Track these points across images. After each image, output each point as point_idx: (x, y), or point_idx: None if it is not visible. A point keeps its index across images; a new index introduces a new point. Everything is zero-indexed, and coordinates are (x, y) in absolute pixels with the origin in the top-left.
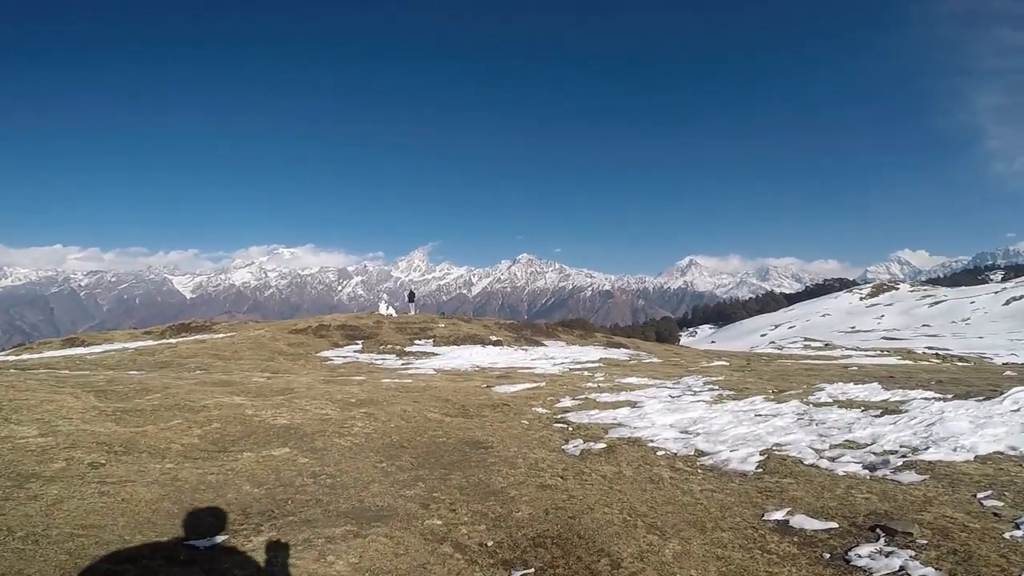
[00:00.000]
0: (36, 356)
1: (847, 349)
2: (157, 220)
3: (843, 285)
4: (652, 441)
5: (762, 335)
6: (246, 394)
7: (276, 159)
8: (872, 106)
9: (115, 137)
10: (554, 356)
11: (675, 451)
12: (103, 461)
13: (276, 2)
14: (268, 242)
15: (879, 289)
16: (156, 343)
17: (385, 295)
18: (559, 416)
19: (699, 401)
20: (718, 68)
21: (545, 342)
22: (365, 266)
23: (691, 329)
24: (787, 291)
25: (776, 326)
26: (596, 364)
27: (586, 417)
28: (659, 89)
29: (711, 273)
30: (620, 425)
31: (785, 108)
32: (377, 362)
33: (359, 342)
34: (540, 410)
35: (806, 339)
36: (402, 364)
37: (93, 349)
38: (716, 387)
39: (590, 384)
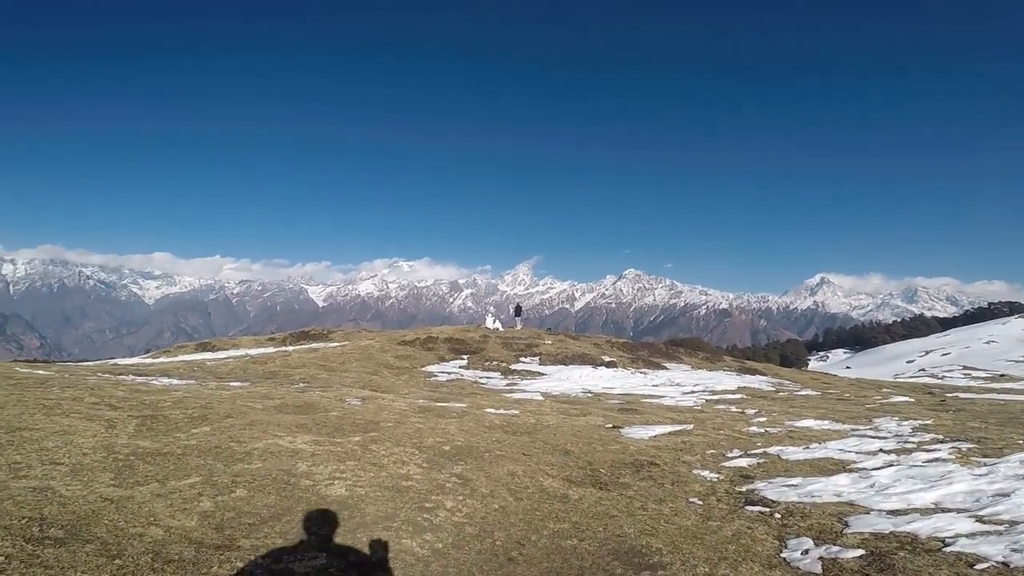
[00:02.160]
0: (167, 360)
1: None
2: (297, 233)
3: (1013, 309)
4: (944, 542)
5: (909, 362)
6: (319, 430)
7: (401, 177)
8: None
9: (275, 156)
10: (680, 383)
11: (1003, 560)
12: None
13: (411, 17)
14: (390, 255)
15: None
16: (274, 350)
17: (492, 308)
18: (743, 487)
19: (939, 460)
20: (860, 73)
21: (666, 364)
22: (474, 279)
23: (821, 353)
24: (940, 315)
25: (927, 352)
26: (738, 396)
27: (789, 490)
28: (789, 95)
29: (846, 293)
30: (855, 507)
31: (937, 109)
32: (481, 381)
33: (464, 357)
34: (706, 474)
35: (965, 367)
36: (507, 385)
37: (218, 355)
38: (940, 436)
39: (753, 429)
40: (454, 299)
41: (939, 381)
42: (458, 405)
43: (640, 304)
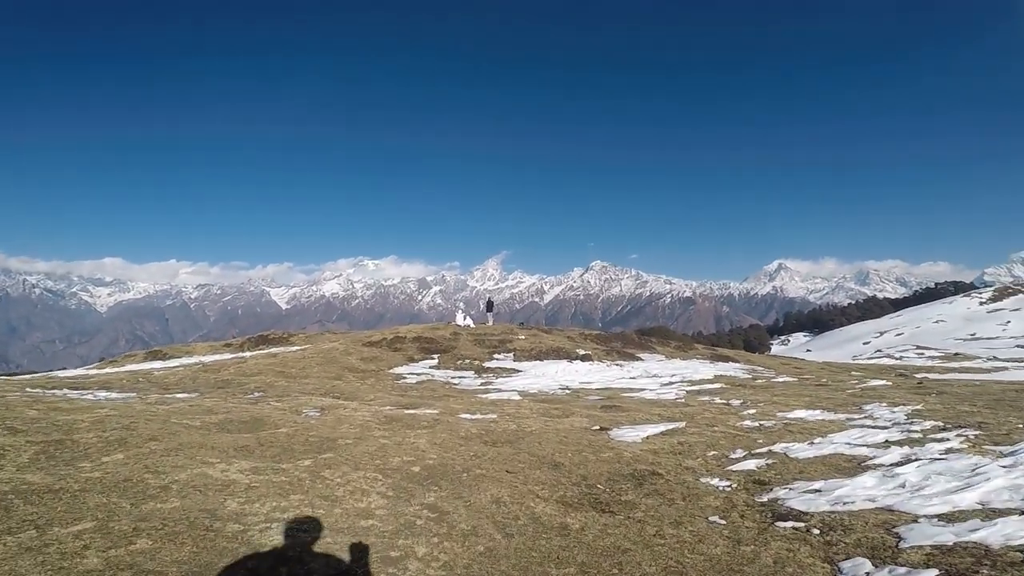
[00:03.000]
0: (112, 370)
1: (987, 359)
2: (257, 235)
3: (959, 289)
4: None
5: (865, 343)
6: (262, 452)
7: (363, 176)
8: (986, 96)
9: (229, 155)
10: (657, 373)
11: None
12: None
13: (381, 21)
14: (355, 254)
15: (1003, 293)
16: (230, 357)
17: (462, 304)
18: (763, 496)
19: (954, 451)
20: (816, 66)
21: (640, 355)
22: (443, 276)
23: (783, 337)
24: (891, 296)
25: (881, 333)
26: (717, 386)
27: (815, 497)
28: (745, 88)
29: (803, 278)
30: (898, 514)
31: (885, 102)
32: (454, 381)
33: (435, 356)
34: (716, 482)
35: (918, 347)
36: (481, 384)
37: (169, 363)
38: (938, 422)
39: (747, 423)
40: (423, 297)
41: (897, 361)
42: (429, 412)
43: (607, 295)
